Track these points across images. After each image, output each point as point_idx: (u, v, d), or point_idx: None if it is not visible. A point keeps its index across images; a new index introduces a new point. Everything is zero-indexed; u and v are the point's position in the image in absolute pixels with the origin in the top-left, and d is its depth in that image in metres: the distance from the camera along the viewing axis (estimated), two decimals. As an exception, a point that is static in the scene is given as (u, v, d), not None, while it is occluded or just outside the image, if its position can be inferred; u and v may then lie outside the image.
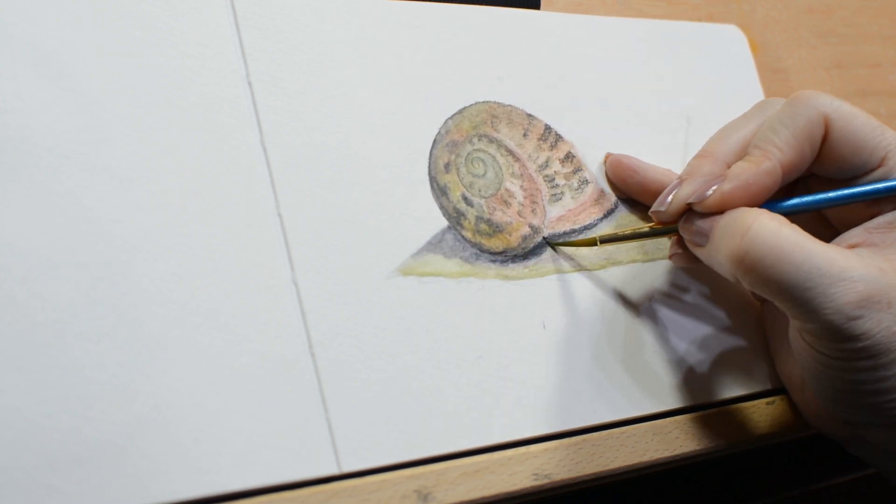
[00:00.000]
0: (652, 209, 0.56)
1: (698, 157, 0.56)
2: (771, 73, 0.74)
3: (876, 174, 0.56)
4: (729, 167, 0.55)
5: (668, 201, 0.55)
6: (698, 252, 0.55)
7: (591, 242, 0.58)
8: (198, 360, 0.46)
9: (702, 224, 0.54)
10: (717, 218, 0.54)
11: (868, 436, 0.56)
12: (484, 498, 0.50)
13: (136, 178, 0.47)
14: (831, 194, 0.57)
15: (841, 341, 0.52)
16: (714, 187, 0.54)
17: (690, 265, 0.58)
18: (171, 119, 0.49)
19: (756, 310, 0.63)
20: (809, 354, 0.54)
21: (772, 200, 0.56)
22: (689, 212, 0.55)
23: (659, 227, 0.57)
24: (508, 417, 0.53)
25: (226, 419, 0.46)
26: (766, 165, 0.54)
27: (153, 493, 0.44)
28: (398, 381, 0.50)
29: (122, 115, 0.48)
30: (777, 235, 0.52)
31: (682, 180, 0.55)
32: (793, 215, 0.55)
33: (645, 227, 0.58)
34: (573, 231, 0.59)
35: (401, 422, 0.50)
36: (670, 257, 0.58)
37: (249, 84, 0.51)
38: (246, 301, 0.48)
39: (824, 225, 0.60)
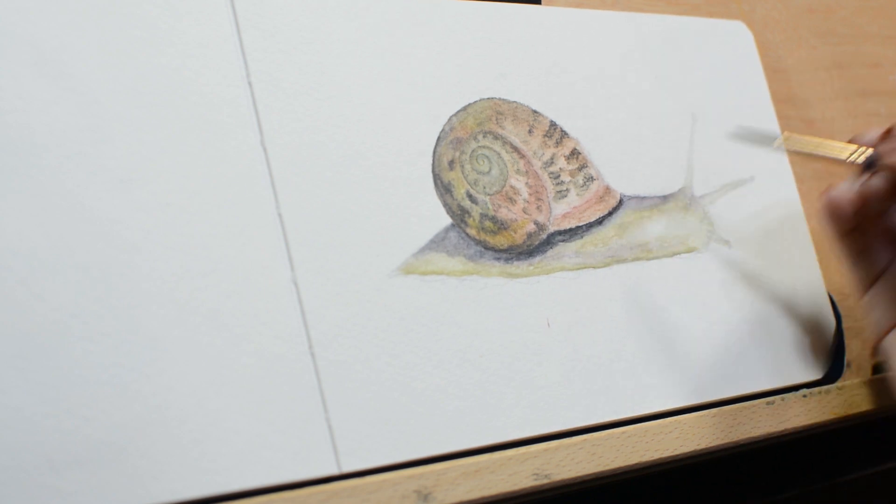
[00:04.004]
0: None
1: None
2: (771, 73, 0.74)
3: None
4: None
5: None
6: None
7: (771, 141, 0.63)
8: (198, 360, 0.46)
9: None
10: None
11: None
12: (484, 498, 0.50)
13: (136, 178, 0.47)
14: None
15: None
16: None
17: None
18: (171, 119, 0.49)
19: (755, 310, 0.63)
20: None
21: None
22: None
23: (854, 149, 0.60)
24: (509, 417, 0.53)
25: (226, 419, 0.46)
26: None
27: (153, 493, 0.44)
28: (398, 381, 0.50)
29: (122, 115, 0.48)
30: None
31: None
32: None
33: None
34: (579, 228, 0.59)
35: (401, 422, 0.50)
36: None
37: (249, 84, 0.51)
38: (246, 301, 0.48)
39: None
